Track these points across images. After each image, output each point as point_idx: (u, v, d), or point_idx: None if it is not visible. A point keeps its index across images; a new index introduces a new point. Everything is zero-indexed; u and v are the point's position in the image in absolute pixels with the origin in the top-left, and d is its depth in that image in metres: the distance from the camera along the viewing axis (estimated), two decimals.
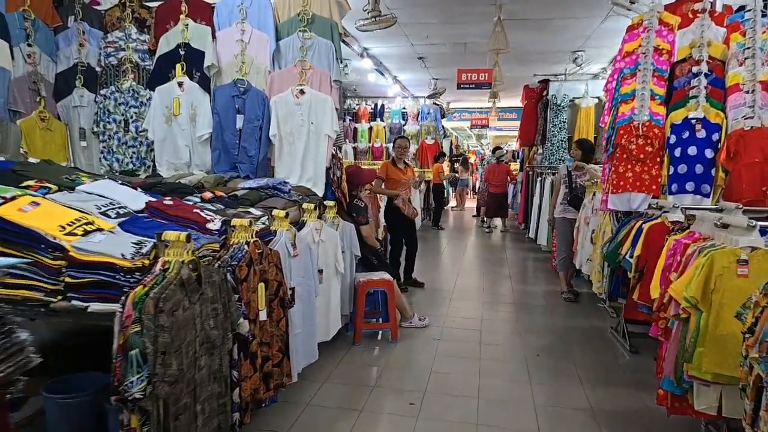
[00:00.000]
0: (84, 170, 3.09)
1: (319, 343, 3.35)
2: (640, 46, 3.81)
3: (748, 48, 3.52)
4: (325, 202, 3.82)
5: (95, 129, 4.39)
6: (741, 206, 2.69)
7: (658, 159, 3.78)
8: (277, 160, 4.06)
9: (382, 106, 11.66)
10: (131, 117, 4.35)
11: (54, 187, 2.46)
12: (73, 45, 4.46)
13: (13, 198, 2.15)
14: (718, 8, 4.00)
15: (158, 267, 1.95)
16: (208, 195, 3.09)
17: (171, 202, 2.59)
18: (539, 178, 7.79)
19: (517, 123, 10.81)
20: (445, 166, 12.44)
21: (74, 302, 2.03)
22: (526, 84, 9.20)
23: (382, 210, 5.88)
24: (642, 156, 3.77)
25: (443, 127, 12.60)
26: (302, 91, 3.95)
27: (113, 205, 2.43)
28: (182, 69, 4.13)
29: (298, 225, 3.37)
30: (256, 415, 2.64)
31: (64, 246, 2.02)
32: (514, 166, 12.02)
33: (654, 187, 3.76)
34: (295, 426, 2.75)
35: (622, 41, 3.96)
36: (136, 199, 2.61)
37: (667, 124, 3.76)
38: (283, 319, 2.74)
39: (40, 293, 2.03)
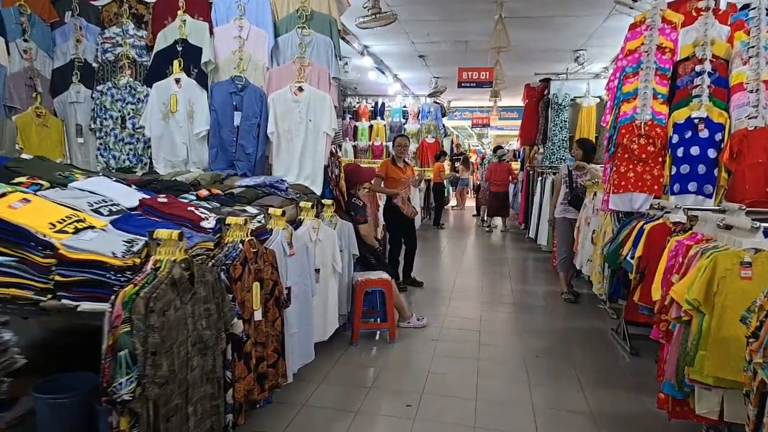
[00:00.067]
0: (78, 167, 3.05)
1: (315, 343, 3.32)
2: (642, 44, 3.76)
3: (753, 47, 3.47)
4: (323, 201, 3.78)
5: (92, 125, 4.34)
6: (744, 207, 2.66)
7: (660, 159, 3.73)
8: (275, 158, 4.02)
9: (383, 104, 11.62)
10: (128, 113, 4.30)
11: (46, 184, 2.42)
12: (70, 41, 4.42)
13: (3, 195, 2.11)
14: (722, 6, 3.95)
15: (149, 266, 1.91)
16: (203, 193, 3.05)
17: (165, 200, 2.54)
18: (540, 178, 7.75)
19: (518, 122, 10.77)
20: (446, 165, 12.39)
21: (64, 301, 1.99)
22: (528, 83, 9.15)
23: (381, 209, 5.84)
24: (644, 156, 3.72)
25: (444, 125, 12.55)
26: (301, 89, 3.90)
27: (106, 202, 2.39)
28: (180, 65, 4.08)
29: (296, 224, 3.34)
30: (250, 416, 2.60)
31: (54, 244, 1.98)
32: (515, 166, 11.97)
33: (656, 187, 3.71)
34: (289, 427, 2.72)
35: (624, 39, 3.91)
36: (129, 197, 2.57)
37: (669, 124, 3.72)
38: (279, 319, 2.70)
39: (29, 292, 2.00)
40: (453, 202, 15.13)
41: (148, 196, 2.60)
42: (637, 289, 3.17)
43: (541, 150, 8.44)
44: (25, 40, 4.22)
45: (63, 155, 4.41)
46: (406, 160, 5.85)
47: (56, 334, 2.82)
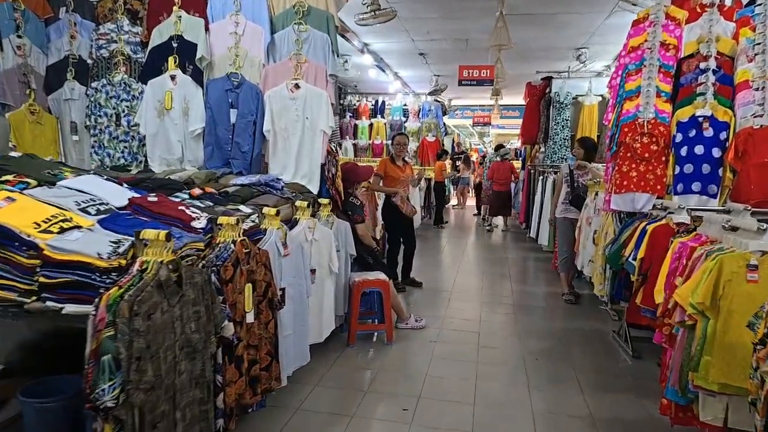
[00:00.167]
0: (70, 165, 2.99)
1: (311, 344, 3.26)
2: (645, 41, 3.69)
3: (759, 44, 3.40)
4: (319, 200, 3.71)
5: (87, 123, 4.28)
6: (749, 208, 2.59)
7: (664, 158, 3.66)
8: (271, 157, 3.96)
9: (383, 102, 11.55)
10: (123, 111, 4.24)
11: (33, 182, 2.35)
12: (64, 37, 4.37)
13: None
14: (728, 2, 3.87)
15: (136, 267, 1.85)
16: (197, 191, 2.98)
17: (155, 199, 2.48)
18: (541, 177, 7.68)
19: (520, 121, 10.69)
20: (447, 164, 12.32)
21: (49, 303, 1.93)
22: (529, 81, 9.08)
23: (380, 208, 5.78)
24: (647, 155, 3.65)
25: (444, 124, 12.48)
26: (297, 86, 3.84)
27: (94, 201, 2.32)
28: (175, 62, 4.01)
29: (291, 223, 3.28)
30: (242, 421, 2.55)
31: (39, 244, 1.92)
32: (516, 165, 11.90)
33: (659, 187, 3.64)
34: None
35: (627, 36, 3.84)
36: (119, 196, 2.50)
37: (673, 122, 3.65)
38: (272, 321, 2.65)
39: (13, 293, 1.94)
40: (454, 201, 15.06)
41: (138, 195, 2.53)
42: (640, 292, 3.10)
43: (543, 149, 8.37)
44: (19, 36, 4.17)
45: (57, 153, 4.36)
46: (406, 158, 5.79)
47: (47, 335, 2.76)
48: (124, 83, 4.23)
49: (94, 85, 4.25)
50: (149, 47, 4.18)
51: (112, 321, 1.68)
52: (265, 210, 2.85)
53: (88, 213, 2.22)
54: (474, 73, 8.22)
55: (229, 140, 3.97)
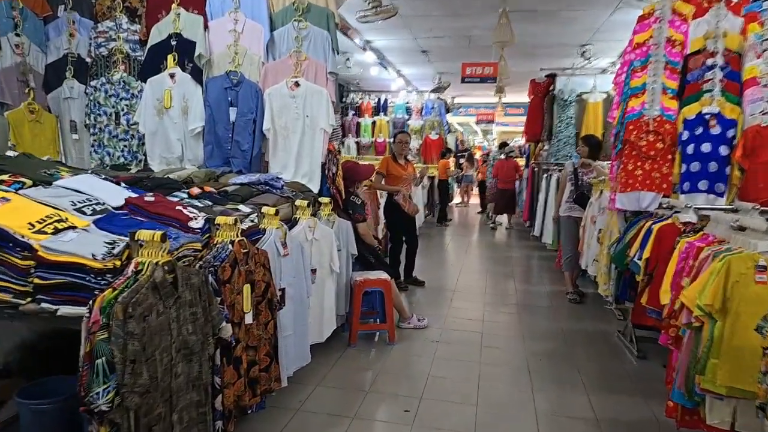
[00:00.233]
0: (67, 165, 2.96)
1: (312, 344, 3.23)
2: (651, 36, 3.64)
3: (767, 39, 3.34)
4: (320, 199, 3.68)
5: (87, 122, 4.25)
6: (758, 207, 2.54)
7: (670, 156, 3.60)
8: (271, 155, 3.92)
9: (386, 100, 11.48)
10: (122, 109, 4.21)
11: (28, 182, 2.32)
12: (63, 35, 4.33)
13: None
14: None
15: (131, 269, 1.82)
16: (195, 191, 2.95)
17: (152, 199, 2.45)
18: (545, 175, 7.62)
19: (524, 118, 10.62)
20: (451, 162, 12.26)
21: (43, 305, 1.90)
22: (533, 78, 9.01)
23: (382, 206, 5.74)
24: (652, 153, 3.60)
25: (447, 122, 12.41)
26: (297, 84, 3.80)
27: (90, 201, 2.29)
28: (174, 60, 3.98)
29: (291, 223, 3.24)
30: (242, 422, 2.52)
31: (33, 245, 1.89)
32: (520, 162, 11.84)
33: (665, 185, 3.58)
34: None
35: (632, 32, 3.79)
36: (116, 195, 2.47)
37: (679, 120, 3.59)
38: (272, 322, 2.61)
39: (8, 294, 1.92)
40: (457, 199, 15.00)
41: (135, 195, 2.50)
42: (645, 292, 3.05)
43: (547, 147, 8.30)
44: (17, 35, 4.13)
45: (57, 152, 4.33)
46: (408, 156, 5.74)
47: (45, 336, 2.74)
48: (123, 81, 4.20)
49: (93, 83, 4.22)
50: (148, 45, 4.15)
51: (106, 323, 1.65)
52: (265, 209, 2.82)
53: (84, 213, 2.20)
54: (477, 70, 8.16)
55: (229, 139, 3.93)
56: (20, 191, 2.22)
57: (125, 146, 4.27)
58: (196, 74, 4.01)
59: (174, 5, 4.02)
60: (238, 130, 3.91)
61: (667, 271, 2.62)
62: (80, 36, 4.33)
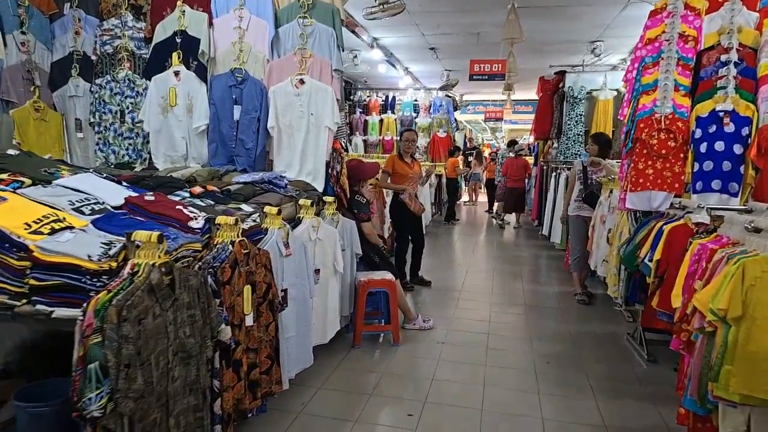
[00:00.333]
0: (68, 163, 2.93)
1: (316, 346, 3.19)
2: (663, 32, 3.54)
3: None
4: (324, 198, 3.63)
5: (91, 120, 4.24)
6: None
7: (682, 155, 3.51)
8: (276, 154, 3.88)
9: (393, 98, 11.43)
10: (127, 107, 4.20)
11: (28, 181, 2.29)
12: (68, 33, 4.33)
13: None
14: None
15: (126, 270, 1.78)
16: (197, 190, 2.91)
17: (152, 198, 2.41)
18: (554, 174, 7.53)
19: (533, 116, 10.51)
20: (460, 160, 12.17)
21: (39, 306, 1.87)
22: (542, 75, 8.90)
23: (388, 205, 5.68)
24: (664, 151, 3.50)
25: (456, 119, 12.32)
26: (302, 81, 3.75)
27: (89, 200, 2.26)
28: (179, 58, 3.95)
29: (294, 222, 3.20)
30: (242, 425, 2.49)
31: (28, 245, 1.85)
32: (529, 160, 11.74)
33: (677, 185, 3.49)
34: None
35: (644, 27, 3.69)
36: (116, 195, 2.44)
37: (692, 117, 3.49)
38: (273, 323, 2.57)
39: (4, 296, 1.88)
40: (465, 197, 14.91)
41: (135, 194, 2.47)
42: (656, 294, 2.97)
43: (556, 144, 8.20)
44: (23, 33, 4.13)
45: (62, 150, 4.33)
46: (415, 155, 5.68)
47: (46, 336, 2.72)
48: (128, 79, 4.19)
49: (98, 81, 4.21)
50: (153, 43, 4.13)
51: (100, 327, 1.61)
52: (267, 209, 2.78)
53: (82, 213, 2.16)
54: (485, 67, 8.07)
55: (233, 137, 3.90)
56: (19, 190, 2.19)
57: (130, 144, 4.26)
58: (201, 72, 3.97)
59: (179, 2, 3.99)
60: (242, 128, 3.88)
61: (679, 274, 2.54)
62: (86, 34, 4.32)
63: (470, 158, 14.22)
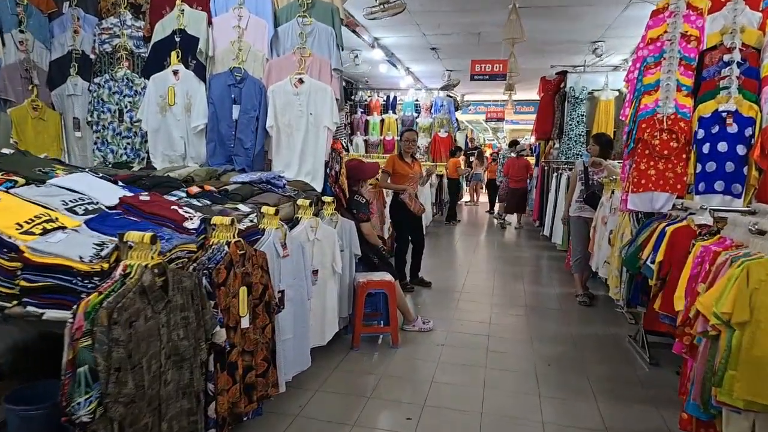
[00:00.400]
0: (64, 163, 2.90)
1: (314, 347, 3.15)
2: (665, 32, 3.50)
3: None
4: (323, 198, 3.60)
5: (89, 119, 4.21)
6: None
7: (684, 155, 3.47)
8: (275, 154, 3.85)
9: (395, 98, 11.40)
10: (125, 106, 4.17)
11: (21, 181, 2.26)
12: (67, 32, 4.31)
13: None
14: None
15: (118, 272, 1.75)
16: (194, 189, 2.88)
17: (147, 198, 2.38)
18: (555, 174, 7.49)
19: (534, 116, 10.47)
20: (461, 160, 12.12)
21: (29, 308, 1.84)
22: (543, 76, 8.86)
23: (388, 205, 5.65)
24: (666, 152, 3.46)
25: (457, 120, 12.29)
26: (301, 80, 3.72)
27: (83, 200, 2.23)
28: (177, 56, 3.92)
29: (293, 222, 3.17)
30: (237, 429, 2.46)
31: (19, 246, 1.83)
32: (530, 161, 11.70)
33: (679, 186, 3.45)
34: None
35: (645, 27, 3.65)
36: (111, 194, 2.41)
37: (694, 118, 3.45)
38: (269, 325, 2.54)
39: None
40: (466, 197, 14.86)
41: (130, 194, 2.44)
42: (658, 297, 2.93)
43: (557, 145, 8.16)
44: (21, 31, 4.11)
45: (60, 149, 4.31)
46: (415, 155, 5.64)
47: (40, 336, 2.69)
48: (127, 78, 4.16)
49: (96, 80, 4.18)
50: (152, 42, 4.10)
51: (90, 330, 1.58)
52: (264, 209, 2.74)
53: (75, 213, 2.13)
54: (486, 67, 8.03)
55: (232, 136, 3.87)
56: (12, 190, 2.16)
57: (128, 144, 4.23)
58: (200, 71, 3.95)
59: (178, 1, 3.97)
60: (241, 127, 3.85)
61: (682, 276, 2.50)
62: (84, 33, 4.30)
63: (472, 158, 14.18)
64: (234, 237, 2.31)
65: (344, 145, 5.45)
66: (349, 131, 10.95)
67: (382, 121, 11.21)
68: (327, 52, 3.81)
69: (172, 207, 2.37)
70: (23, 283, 1.83)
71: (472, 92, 14.39)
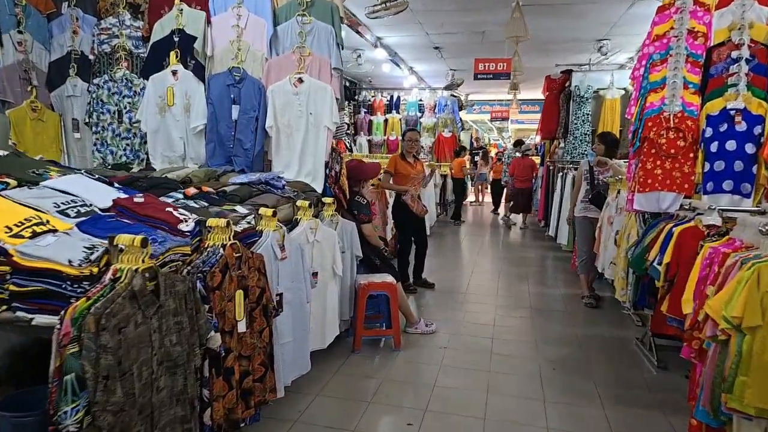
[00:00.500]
0: (57, 165, 2.85)
1: (314, 351, 3.10)
2: (672, 28, 3.43)
3: None
4: (323, 199, 3.55)
5: (88, 120, 4.19)
6: None
7: (692, 154, 3.39)
8: (275, 154, 3.81)
9: (398, 97, 11.35)
10: (125, 107, 4.14)
11: (13, 183, 2.22)
12: (66, 32, 4.29)
13: None
14: None
15: (108, 276, 1.70)
16: (191, 191, 2.84)
17: (141, 200, 2.34)
18: (560, 174, 7.41)
19: (539, 116, 10.39)
20: (466, 159, 12.05)
21: (19, 313, 1.80)
22: (548, 74, 8.78)
23: (391, 206, 5.59)
24: (673, 151, 3.39)
25: (461, 119, 12.21)
26: (301, 80, 3.68)
27: (75, 202, 2.18)
28: (176, 57, 3.89)
29: (292, 224, 3.12)
30: None
31: (8, 250, 1.78)
32: (537, 160, 11.61)
33: (686, 185, 3.37)
34: None
35: (651, 23, 3.58)
36: (105, 196, 2.36)
37: (702, 116, 3.38)
38: (267, 329, 2.48)
39: None
40: (471, 197, 14.78)
41: (124, 196, 2.39)
42: (666, 299, 2.86)
43: (562, 144, 8.08)
44: (20, 32, 4.09)
45: (60, 151, 4.29)
46: (419, 155, 5.58)
47: (36, 340, 2.65)
48: (126, 79, 4.13)
49: (96, 81, 4.16)
50: (151, 42, 4.07)
51: (78, 336, 1.54)
52: (262, 210, 2.69)
53: (67, 215, 2.09)
54: (490, 66, 7.95)
55: (231, 137, 3.83)
56: (3, 192, 2.12)
57: (127, 145, 4.20)
58: (199, 71, 3.91)
59: (177, 1, 3.93)
60: (240, 128, 3.81)
61: (690, 278, 2.44)
62: (83, 33, 4.28)
63: (476, 158, 14.10)
64: (230, 239, 2.26)
65: (348, 145, 5.40)
66: (353, 131, 10.91)
67: (386, 121, 11.17)
68: (327, 51, 3.76)
69: (167, 209, 2.32)
70: (12, 287, 1.78)
71: (476, 92, 14.32)
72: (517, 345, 3.95)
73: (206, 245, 2.25)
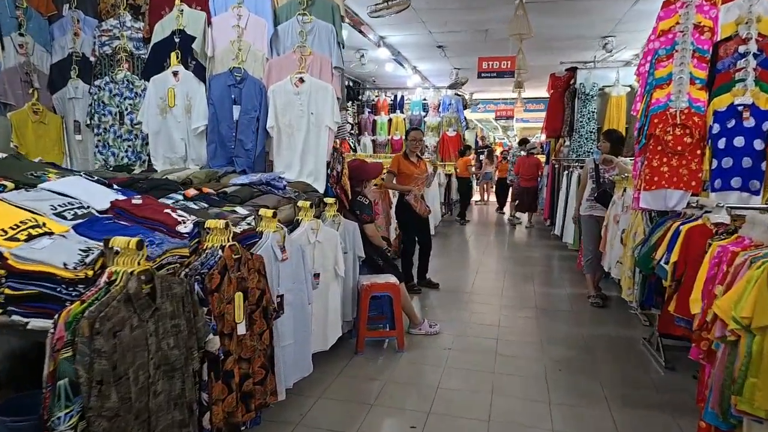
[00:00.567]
0: (56, 167, 2.84)
1: (316, 353, 3.07)
2: (677, 23, 3.38)
3: None
4: (325, 200, 3.52)
5: (89, 122, 4.17)
6: None
7: (699, 151, 3.34)
8: (276, 154, 3.78)
9: (402, 97, 11.31)
10: (126, 109, 4.12)
11: (10, 185, 2.21)
12: (67, 34, 4.27)
13: None
14: None
15: (103, 279, 1.68)
16: (191, 192, 2.81)
17: (139, 201, 2.31)
18: (566, 172, 7.35)
19: (544, 114, 10.32)
20: (472, 158, 11.99)
21: (14, 317, 1.77)
22: (553, 72, 8.72)
23: (394, 206, 5.55)
24: (680, 148, 3.33)
25: (465, 118, 12.16)
26: (302, 79, 3.64)
27: (72, 204, 2.16)
28: (177, 57, 3.87)
29: (293, 225, 3.09)
30: None
31: (3, 253, 1.76)
32: (541, 159, 11.54)
33: (694, 183, 3.32)
34: None
35: (657, 18, 3.53)
36: (103, 198, 2.35)
37: (709, 112, 3.32)
38: (267, 331, 2.46)
39: None
40: (476, 196, 14.72)
41: (122, 198, 2.37)
42: (673, 299, 2.81)
43: (568, 142, 8.01)
44: (21, 34, 4.07)
45: (62, 153, 4.28)
46: (423, 154, 5.54)
47: (35, 344, 2.64)
48: (127, 80, 4.12)
49: (97, 83, 4.14)
50: (151, 43, 4.05)
51: (71, 340, 1.51)
52: (262, 211, 2.67)
53: (64, 217, 2.07)
54: (494, 64, 7.88)
55: (233, 138, 3.80)
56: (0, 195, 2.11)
57: (129, 146, 4.18)
58: (200, 71, 3.89)
59: (177, 1, 3.91)
60: (241, 128, 3.78)
61: (698, 278, 2.39)
62: (85, 35, 4.26)
63: (482, 157, 14.04)
64: (229, 241, 2.23)
65: (352, 145, 5.36)
66: (357, 131, 10.88)
67: (390, 120, 11.13)
68: (328, 50, 3.73)
69: (165, 211, 2.30)
70: (8, 291, 1.76)
71: (480, 90, 14.25)
72: (522, 346, 3.91)
73: (205, 247, 2.22)
